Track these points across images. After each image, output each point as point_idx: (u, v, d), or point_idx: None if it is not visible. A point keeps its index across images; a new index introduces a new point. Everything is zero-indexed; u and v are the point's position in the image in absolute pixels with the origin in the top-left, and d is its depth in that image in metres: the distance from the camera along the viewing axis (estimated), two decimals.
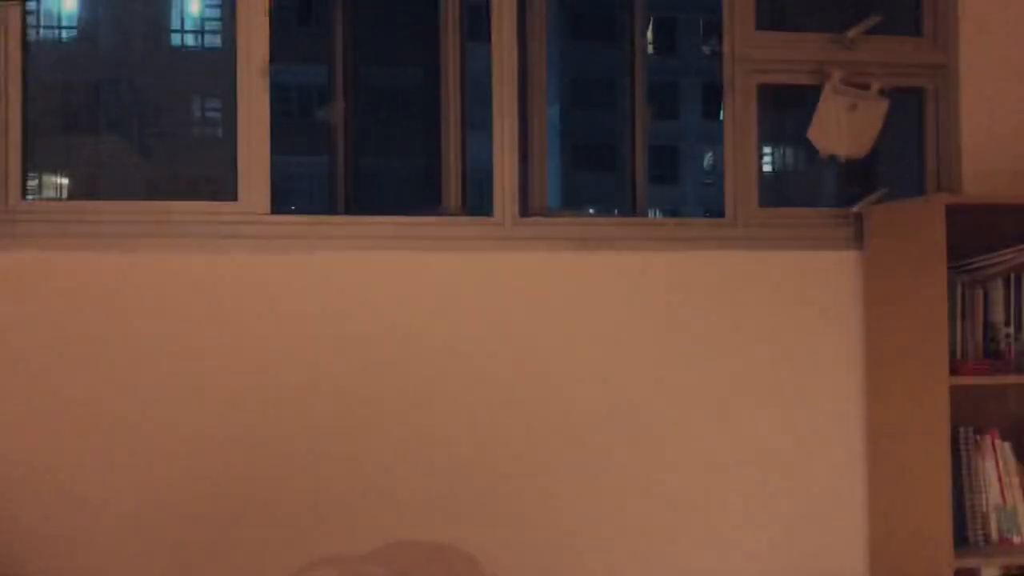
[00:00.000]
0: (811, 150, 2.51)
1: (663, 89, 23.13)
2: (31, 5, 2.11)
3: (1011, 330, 2.30)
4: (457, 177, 2.56)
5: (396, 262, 2.34)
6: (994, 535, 2.29)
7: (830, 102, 2.48)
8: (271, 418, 2.28)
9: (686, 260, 2.45)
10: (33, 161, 2.30)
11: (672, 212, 23.74)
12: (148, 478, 2.24)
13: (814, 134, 2.50)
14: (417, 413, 2.33)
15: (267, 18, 2.34)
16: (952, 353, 2.28)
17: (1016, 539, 2.28)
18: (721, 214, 2.54)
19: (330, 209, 2.75)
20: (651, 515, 2.41)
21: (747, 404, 2.46)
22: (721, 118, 2.57)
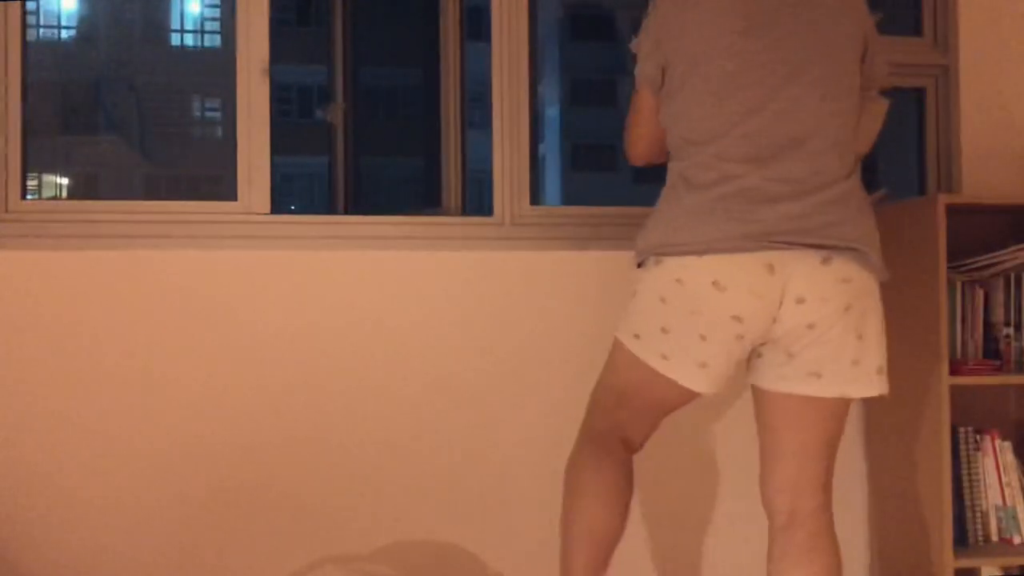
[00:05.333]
0: None
1: None
2: (31, 5, 2.11)
3: (1011, 330, 2.30)
4: (457, 177, 2.57)
5: (396, 262, 2.34)
6: (994, 535, 2.29)
7: None
8: (272, 417, 2.28)
9: None
10: (33, 161, 2.30)
11: None
12: (148, 478, 2.24)
13: None
14: (418, 411, 2.33)
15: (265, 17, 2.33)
16: (952, 353, 2.28)
17: (1016, 539, 2.28)
18: None
19: (330, 209, 2.75)
20: (654, 516, 2.41)
21: (746, 404, 2.46)
22: None
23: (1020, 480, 2.30)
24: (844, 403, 1.72)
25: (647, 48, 1.80)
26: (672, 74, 1.75)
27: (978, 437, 2.30)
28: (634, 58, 1.86)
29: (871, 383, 1.68)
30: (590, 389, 2.39)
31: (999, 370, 2.26)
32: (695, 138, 1.70)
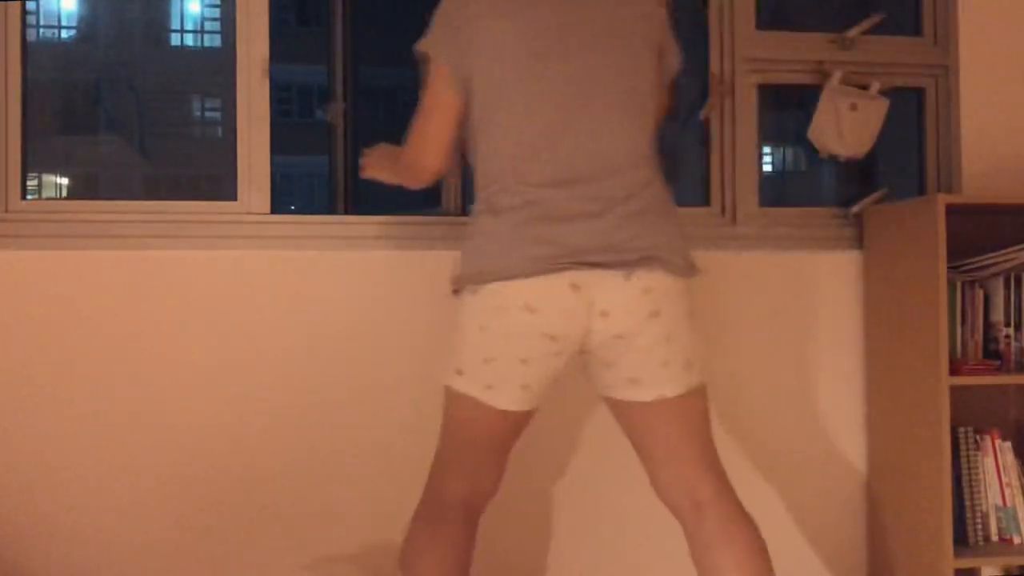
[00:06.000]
0: (811, 150, 2.51)
1: None
2: (31, 5, 2.11)
3: (1011, 330, 2.30)
4: (457, 177, 2.56)
5: (396, 262, 2.34)
6: (994, 535, 2.29)
7: (830, 102, 2.48)
8: (271, 417, 2.28)
9: None
10: (33, 161, 2.30)
11: None
12: (148, 476, 2.24)
13: (814, 134, 2.50)
14: (418, 412, 2.33)
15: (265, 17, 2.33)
16: (952, 353, 2.28)
17: (1016, 539, 2.28)
18: (721, 212, 2.54)
19: (330, 209, 2.75)
20: (652, 517, 2.41)
21: (747, 406, 2.46)
22: (701, 117, 2.60)
23: (1020, 480, 2.30)
24: (688, 399, 1.71)
25: (450, 52, 1.72)
26: (472, 92, 1.72)
27: (978, 437, 2.30)
28: (422, 58, 1.77)
29: (680, 379, 1.69)
30: (588, 385, 2.39)
31: (999, 370, 2.26)
32: (498, 164, 1.70)
